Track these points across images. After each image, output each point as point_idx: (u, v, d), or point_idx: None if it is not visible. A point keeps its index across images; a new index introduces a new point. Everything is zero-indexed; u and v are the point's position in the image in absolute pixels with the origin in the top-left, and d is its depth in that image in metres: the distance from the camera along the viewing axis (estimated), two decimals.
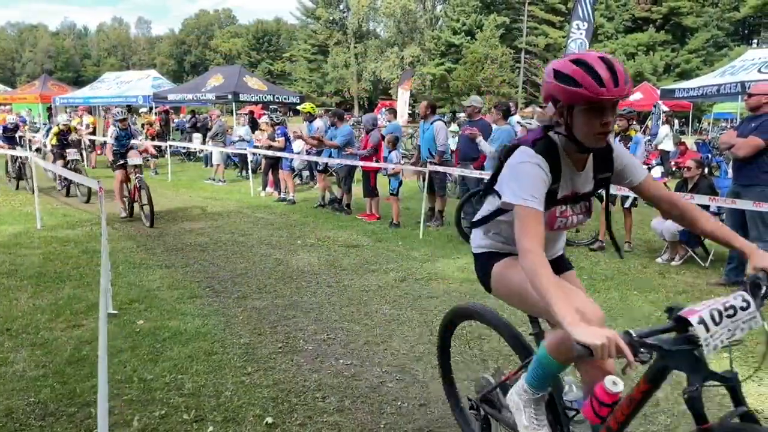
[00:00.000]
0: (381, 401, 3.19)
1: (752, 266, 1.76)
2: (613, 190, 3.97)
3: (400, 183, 8.52)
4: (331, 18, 58.31)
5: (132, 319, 4.36)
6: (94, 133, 16.60)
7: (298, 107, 15.42)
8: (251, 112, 17.02)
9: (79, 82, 51.46)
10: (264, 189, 11.30)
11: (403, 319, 4.47)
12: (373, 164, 8.57)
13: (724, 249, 6.02)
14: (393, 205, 8.29)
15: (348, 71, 55.84)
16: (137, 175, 8.22)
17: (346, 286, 5.33)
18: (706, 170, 12.53)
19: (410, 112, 25.24)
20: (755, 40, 46.66)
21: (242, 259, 6.29)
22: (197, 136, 17.49)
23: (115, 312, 4.47)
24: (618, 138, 6.56)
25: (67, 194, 10.58)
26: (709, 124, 29.02)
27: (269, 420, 2.95)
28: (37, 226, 7.66)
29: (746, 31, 50.21)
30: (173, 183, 12.77)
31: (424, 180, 8.57)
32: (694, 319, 1.52)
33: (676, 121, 26.89)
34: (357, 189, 9.37)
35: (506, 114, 7.36)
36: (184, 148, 17.64)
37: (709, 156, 15.58)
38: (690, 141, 17.88)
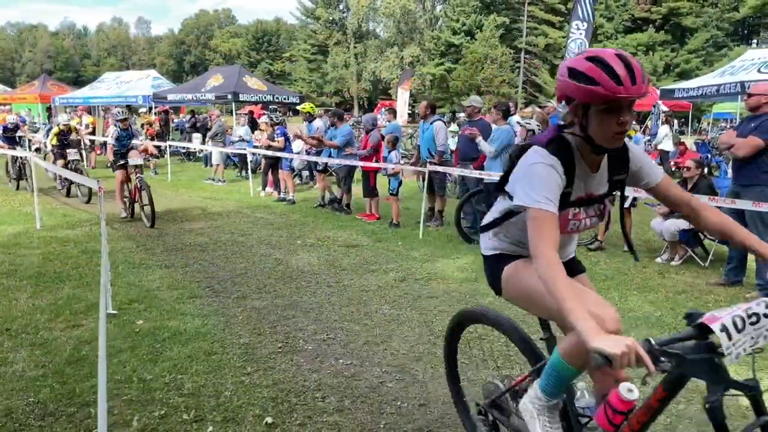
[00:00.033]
0: (381, 401, 3.18)
1: None
2: None
3: (400, 183, 8.52)
4: (330, 18, 58.30)
5: (131, 319, 4.36)
6: (93, 133, 16.60)
7: (297, 107, 15.40)
8: (251, 112, 17.02)
9: (78, 82, 51.46)
10: (264, 189, 11.30)
11: (402, 319, 4.47)
12: (373, 164, 8.57)
13: (724, 249, 6.05)
14: (393, 205, 8.29)
15: (348, 71, 55.84)
16: (138, 175, 8.19)
17: (345, 286, 5.33)
18: (706, 170, 12.54)
19: (410, 112, 25.24)
20: (755, 40, 46.65)
21: (242, 259, 6.29)
22: (197, 136, 17.48)
23: (115, 312, 4.47)
24: None
25: (68, 194, 10.58)
26: (708, 124, 29.01)
27: (269, 420, 2.95)
28: (37, 226, 7.66)
29: (746, 32, 50.22)
30: (173, 183, 12.77)
31: (423, 180, 8.57)
32: (716, 327, 1.48)
33: (676, 121, 26.86)
34: (357, 189, 9.37)
35: (506, 114, 7.36)
36: (183, 148, 17.64)
37: (709, 156, 15.58)
38: (689, 141, 17.89)
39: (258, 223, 8.31)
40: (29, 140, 12.75)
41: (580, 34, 13.57)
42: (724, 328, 1.47)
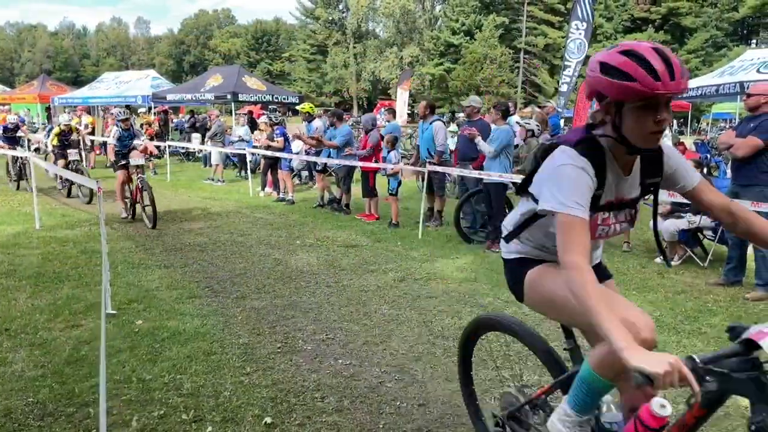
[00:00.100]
0: (380, 401, 3.18)
1: None
2: None
3: (399, 183, 8.52)
4: (330, 18, 58.32)
5: (131, 319, 4.36)
6: (92, 133, 16.59)
7: (297, 107, 15.39)
8: (250, 112, 17.01)
9: (77, 82, 51.43)
10: (263, 189, 11.30)
11: (402, 319, 4.47)
12: (372, 164, 8.57)
13: (723, 249, 6.05)
14: (392, 205, 8.29)
15: (347, 71, 55.86)
16: (139, 175, 8.13)
17: (345, 286, 5.33)
18: (705, 170, 12.56)
19: (409, 112, 25.21)
20: (754, 41, 46.60)
21: (241, 259, 6.29)
22: (196, 136, 17.48)
23: (114, 312, 4.46)
24: None
25: (69, 195, 10.57)
26: (707, 124, 29.06)
27: (268, 420, 2.95)
28: (36, 226, 7.65)
29: (745, 32, 50.26)
30: (172, 183, 12.76)
31: (423, 180, 8.57)
32: (765, 343, 1.39)
33: (675, 121, 26.91)
34: (356, 189, 9.37)
35: (505, 114, 7.36)
36: (183, 148, 17.64)
37: (708, 156, 15.59)
38: (689, 141, 17.91)
39: (257, 223, 8.31)
40: (28, 140, 12.73)
41: (580, 34, 13.57)
42: None
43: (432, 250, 6.77)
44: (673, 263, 6.26)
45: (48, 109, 23.78)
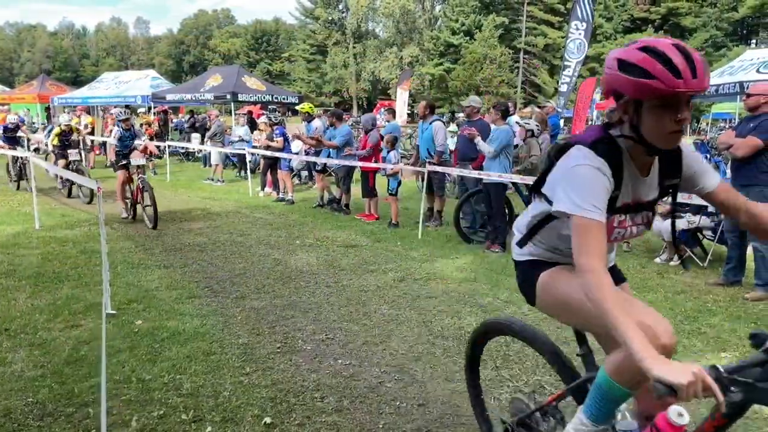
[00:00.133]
0: (380, 401, 3.18)
1: None
2: None
3: (399, 183, 8.52)
4: (330, 18, 58.32)
5: (130, 320, 4.36)
6: (92, 133, 16.59)
7: (296, 107, 15.37)
8: (250, 112, 16.99)
9: (77, 82, 51.41)
10: (262, 189, 11.30)
11: (401, 319, 4.47)
12: (372, 164, 8.57)
13: (723, 249, 6.05)
14: (392, 205, 8.29)
15: (347, 71, 55.86)
16: (140, 176, 8.10)
17: (344, 286, 5.33)
18: None
19: (409, 112, 25.19)
20: (754, 41, 46.71)
21: (241, 259, 6.29)
22: (196, 136, 17.47)
23: (114, 312, 4.46)
24: None
25: (69, 195, 10.57)
26: (707, 124, 29.08)
27: (267, 420, 2.94)
28: (36, 226, 7.65)
29: (745, 32, 50.28)
30: (172, 183, 12.76)
31: (422, 180, 8.57)
32: None
33: None
34: (356, 189, 9.37)
35: (505, 114, 7.35)
36: (182, 148, 17.63)
37: (708, 156, 15.58)
38: (688, 141, 17.90)
39: (257, 224, 8.31)
40: (28, 140, 12.72)
41: (579, 34, 13.59)
42: None
43: (432, 250, 6.77)
44: (672, 263, 6.27)
45: (47, 109, 23.78)
